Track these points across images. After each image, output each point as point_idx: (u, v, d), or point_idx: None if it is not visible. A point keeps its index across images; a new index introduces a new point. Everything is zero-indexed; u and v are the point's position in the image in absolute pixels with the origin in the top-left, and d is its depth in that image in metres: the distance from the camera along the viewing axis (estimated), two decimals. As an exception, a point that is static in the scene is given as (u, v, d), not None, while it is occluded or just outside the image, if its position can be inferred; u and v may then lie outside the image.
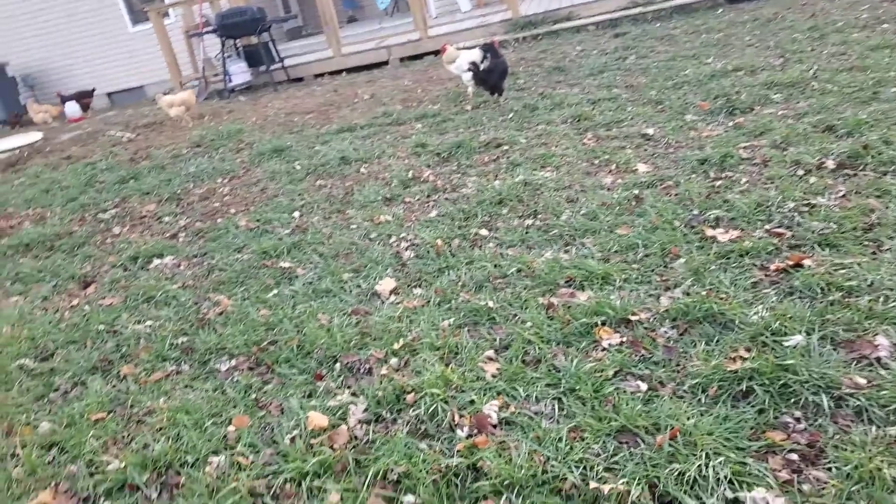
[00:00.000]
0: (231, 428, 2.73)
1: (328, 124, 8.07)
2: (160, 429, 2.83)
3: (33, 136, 10.79)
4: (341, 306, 3.58)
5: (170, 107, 9.82)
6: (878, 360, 2.44)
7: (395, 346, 3.08)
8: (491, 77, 7.11)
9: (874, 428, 2.16)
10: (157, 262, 4.74)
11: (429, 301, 3.47)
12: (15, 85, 15.57)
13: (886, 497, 1.90)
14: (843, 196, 3.67)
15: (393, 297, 3.61)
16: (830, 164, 4.07)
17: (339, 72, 12.64)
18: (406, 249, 4.16)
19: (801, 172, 4.08)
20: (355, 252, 4.26)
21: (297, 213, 5.18)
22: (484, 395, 2.64)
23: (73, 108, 13.86)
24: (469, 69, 7.16)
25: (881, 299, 2.74)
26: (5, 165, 9.35)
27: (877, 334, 2.56)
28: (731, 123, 5.23)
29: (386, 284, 3.72)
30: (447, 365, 2.88)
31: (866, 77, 5.41)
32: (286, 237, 4.70)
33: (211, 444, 2.65)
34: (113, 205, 6.40)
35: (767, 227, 3.53)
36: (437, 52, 9.97)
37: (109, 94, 16.17)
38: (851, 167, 4.00)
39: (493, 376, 2.76)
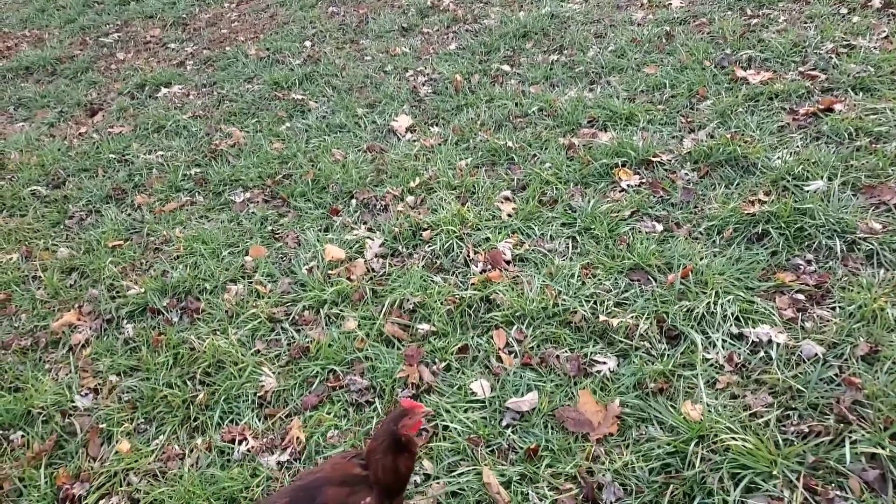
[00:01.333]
0: (248, 258, 2.79)
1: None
2: (177, 257, 2.89)
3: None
4: (356, 142, 3.52)
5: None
6: (898, 206, 2.41)
7: (412, 184, 3.06)
8: None
9: (882, 271, 2.18)
10: (164, 90, 4.62)
11: (446, 139, 3.40)
12: None
13: (885, 335, 1.95)
14: (886, 37, 3.44)
15: (409, 135, 3.53)
16: (876, 2, 3.78)
17: None
18: (423, 84, 4.01)
19: (844, 11, 3.80)
20: (370, 86, 4.12)
21: (308, 43, 4.95)
22: (499, 233, 2.66)
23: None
24: None
25: (911, 146, 2.67)
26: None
27: (900, 181, 2.51)
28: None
29: (402, 121, 3.63)
30: (463, 203, 2.87)
31: None
32: (298, 68, 4.53)
33: (229, 273, 2.73)
34: (115, 28, 6.12)
35: (801, 69, 3.35)
36: None
37: None
38: (901, 6, 3.73)
39: (509, 215, 2.77)
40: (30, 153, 4.04)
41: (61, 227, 3.31)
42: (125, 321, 2.61)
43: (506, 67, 4.02)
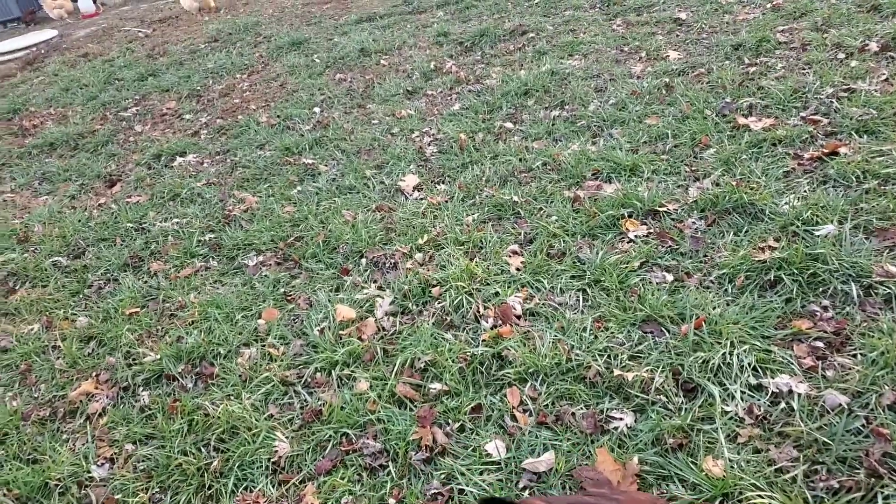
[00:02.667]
0: (261, 321, 2.80)
1: (346, 14, 7.78)
2: (192, 322, 2.91)
3: (49, 34, 10.60)
4: (365, 202, 3.57)
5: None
6: (912, 248, 2.39)
7: (420, 241, 3.08)
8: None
9: (903, 316, 2.14)
10: (180, 159, 4.74)
11: (452, 196, 3.44)
12: (26, -20, 15.11)
13: (911, 383, 1.90)
14: (886, 80, 3.49)
15: (416, 193, 3.58)
16: (874, 46, 3.84)
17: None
18: (429, 144, 4.09)
19: (841, 56, 3.86)
20: (377, 148, 4.20)
21: (317, 109, 5.08)
22: (508, 287, 2.66)
23: (86, 4, 13.50)
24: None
25: (920, 187, 2.66)
26: (24, 64, 9.24)
27: (912, 223, 2.49)
28: (768, 5, 4.92)
29: (409, 180, 3.69)
30: (472, 259, 2.88)
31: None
32: (308, 133, 4.64)
33: (242, 337, 2.74)
34: (133, 102, 6.34)
35: (803, 114, 3.38)
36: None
37: (122, -12, 15.65)
38: (896, 49, 3.78)
39: (518, 269, 2.77)
40: (52, 225, 4.14)
41: (80, 296, 3.36)
42: (141, 388, 2.61)
43: (509, 125, 4.09)
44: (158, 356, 2.71)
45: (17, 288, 3.55)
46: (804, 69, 3.82)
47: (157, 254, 3.57)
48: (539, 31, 5.54)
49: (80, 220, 4.12)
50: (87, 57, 8.68)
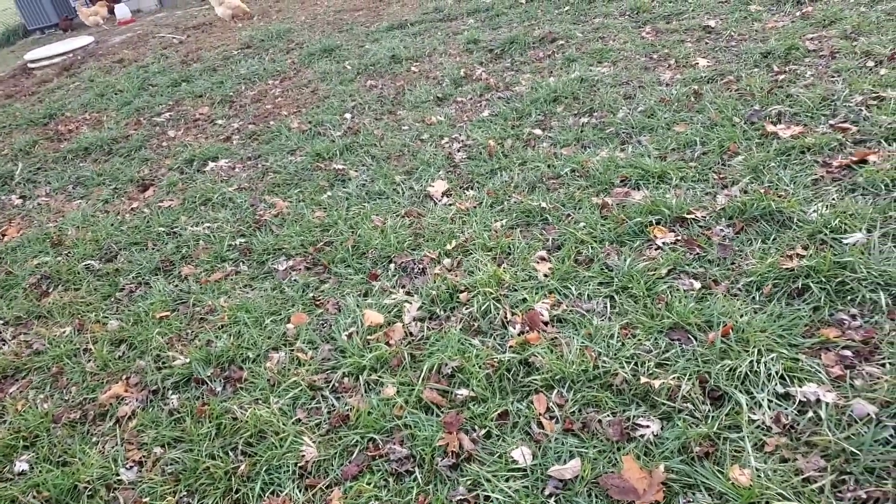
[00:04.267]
0: (290, 325, 2.85)
1: (378, 21, 7.86)
2: (222, 326, 2.97)
3: (85, 40, 10.87)
4: (394, 208, 3.62)
5: (220, 3, 9.73)
6: (945, 257, 2.36)
7: (448, 247, 3.11)
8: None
9: (934, 326, 2.12)
10: (212, 164, 4.83)
11: (481, 202, 3.46)
12: (64, -13, 15.52)
13: (943, 394, 1.88)
14: (918, 88, 3.44)
15: (445, 199, 3.61)
16: (905, 53, 3.80)
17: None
18: (458, 150, 4.12)
19: (871, 64, 3.82)
20: (407, 153, 4.24)
21: (348, 115, 5.15)
22: (536, 293, 2.67)
23: (123, 11, 13.83)
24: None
25: (953, 196, 2.62)
26: (60, 70, 9.49)
27: (944, 231, 2.46)
28: (798, 13, 4.88)
29: (438, 186, 3.72)
30: (499, 265, 2.91)
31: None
32: (338, 139, 4.71)
33: (271, 341, 2.78)
34: (167, 108, 6.48)
35: (832, 122, 3.35)
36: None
37: (157, -4, 15.99)
38: (930, 56, 3.73)
39: (545, 275, 2.78)
40: (85, 229, 4.24)
41: (112, 299, 3.43)
42: (170, 392, 2.66)
43: (537, 131, 4.10)
44: (188, 359, 2.76)
45: (50, 291, 3.65)
46: (833, 77, 3.79)
47: (188, 258, 3.65)
48: (569, 38, 5.55)
49: (112, 224, 4.22)
50: (122, 63, 8.89)
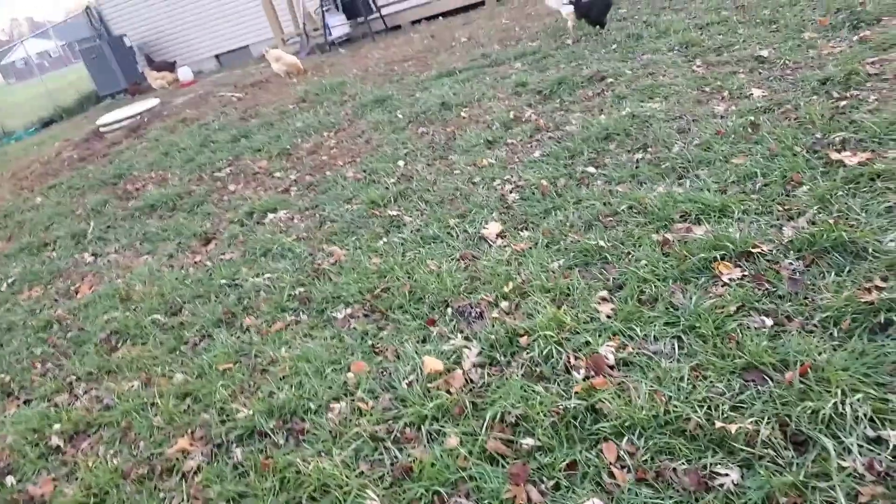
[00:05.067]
0: (350, 374, 2.84)
1: (427, 70, 8.03)
2: (283, 377, 2.98)
3: (152, 102, 11.46)
4: (449, 252, 3.61)
5: (276, 60, 10.15)
6: None
7: (505, 289, 3.07)
8: (593, 11, 6.80)
9: None
10: (271, 216, 4.96)
11: (537, 243, 3.42)
12: (133, 54, 16.48)
13: None
14: None
15: (500, 241, 3.59)
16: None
17: (435, 16, 12.55)
18: (511, 192, 4.11)
19: (940, 85, 3.66)
20: (460, 197, 4.26)
21: (401, 162, 5.22)
22: (599, 336, 2.60)
23: (186, 73, 14.59)
24: (569, 2, 6.87)
25: None
26: (129, 131, 10.01)
27: None
28: (855, 38, 4.74)
29: (492, 228, 3.71)
30: (559, 307, 2.84)
31: None
32: (392, 186, 4.77)
33: (332, 391, 2.77)
34: (227, 163, 6.72)
35: (903, 146, 3.20)
36: (531, -15, 9.61)
37: (217, 56, 16.81)
38: None
39: (608, 317, 2.71)
40: (151, 284, 4.38)
41: (177, 352, 3.51)
42: (234, 445, 2.67)
43: (591, 169, 4.06)
44: (251, 412, 2.77)
45: (119, 346, 3.76)
46: (900, 100, 3.64)
47: (250, 309, 3.71)
48: (617, 76, 5.53)
49: (177, 278, 4.35)
50: (184, 122, 9.31)
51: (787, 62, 4.71)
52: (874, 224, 2.72)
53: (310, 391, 2.81)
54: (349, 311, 3.36)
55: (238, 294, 3.89)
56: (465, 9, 12.21)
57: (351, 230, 4.30)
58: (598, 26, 6.92)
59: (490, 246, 3.57)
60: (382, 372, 2.82)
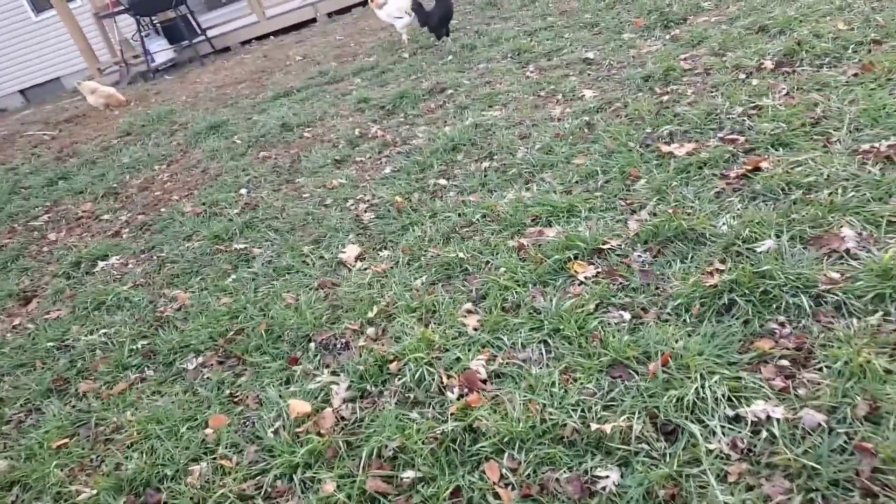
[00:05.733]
0: (208, 430, 2.57)
1: (263, 92, 7.73)
2: (131, 444, 2.64)
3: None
4: (306, 281, 3.43)
5: (91, 93, 9.32)
6: (848, 251, 2.43)
7: (370, 315, 2.95)
8: (432, 20, 6.89)
9: (855, 320, 2.15)
10: (102, 264, 4.47)
11: (397, 262, 3.34)
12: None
13: (880, 388, 1.88)
14: (787, 94, 3.66)
15: (359, 264, 3.47)
16: (769, 64, 4.05)
17: (265, 36, 12.18)
18: (365, 211, 4.00)
19: (742, 76, 4.05)
20: (312, 222, 4.08)
21: (244, 190, 4.94)
22: (469, 350, 2.55)
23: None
24: (401, 16, 6.90)
25: (839, 191, 2.74)
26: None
27: (841, 226, 2.54)
28: (667, 37, 5.15)
29: (350, 251, 3.57)
30: (427, 325, 2.77)
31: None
32: (236, 217, 4.48)
33: (189, 451, 2.49)
34: (44, 210, 6.02)
35: (721, 134, 3.48)
36: (365, 3, 9.62)
37: (23, 91, 15.22)
38: (789, 64, 4.00)
39: (475, 329, 2.67)
40: (-44, 361, 3.78)
41: (-2, 435, 3.03)
42: (78, 533, 2.33)
43: (442, 181, 4.05)
44: (95, 491, 2.42)
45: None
46: (712, 92, 3.96)
47: (85, 371, 3.29)
48: (457, 86, 5.60)
49: (-9, 349, 3.78)
50: (-12, 168, 8.27)
51: (611, 62, 5.01)
52: (707, 210, 2.91)
53: (164, 455, 2.51)
54: (200, 359, 3.08)
55: (70, 357, 3.45)
56: (297, 27, 11.97)
57: (194, 270, 3.97)
58: (441, 35, 7.01)
59: (349, 270, 3.43)
60: (245, 422, 2.59)
